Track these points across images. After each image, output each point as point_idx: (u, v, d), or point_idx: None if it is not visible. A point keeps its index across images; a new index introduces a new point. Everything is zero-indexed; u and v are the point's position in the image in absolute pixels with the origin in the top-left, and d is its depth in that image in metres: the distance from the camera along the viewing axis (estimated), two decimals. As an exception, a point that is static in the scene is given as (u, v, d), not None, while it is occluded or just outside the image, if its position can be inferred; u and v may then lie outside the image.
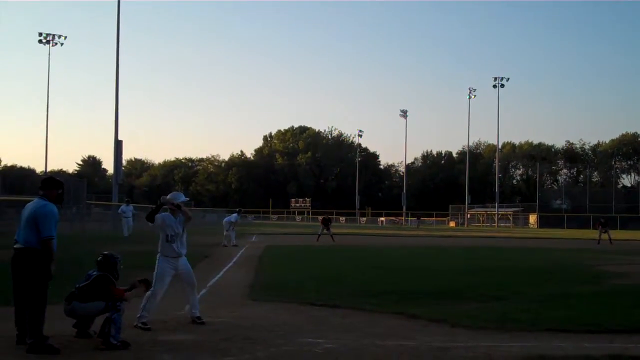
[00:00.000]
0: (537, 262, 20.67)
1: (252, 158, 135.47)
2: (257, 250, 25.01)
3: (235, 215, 29.09)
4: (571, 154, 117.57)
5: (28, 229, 7.07)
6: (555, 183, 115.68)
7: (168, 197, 9.18)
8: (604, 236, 34.19)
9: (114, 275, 7.75)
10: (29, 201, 7.47)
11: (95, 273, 7.67)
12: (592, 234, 44.21)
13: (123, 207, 31.58)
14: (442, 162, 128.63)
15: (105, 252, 7.91)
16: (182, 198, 9.25)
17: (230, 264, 18.63)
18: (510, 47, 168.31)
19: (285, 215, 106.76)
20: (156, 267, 8.82)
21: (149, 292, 8.63)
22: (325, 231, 33.08)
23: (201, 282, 13.73)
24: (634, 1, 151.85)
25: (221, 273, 16.06)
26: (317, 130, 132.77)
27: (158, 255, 8.90)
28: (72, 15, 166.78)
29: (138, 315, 8.44)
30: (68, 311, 7.53)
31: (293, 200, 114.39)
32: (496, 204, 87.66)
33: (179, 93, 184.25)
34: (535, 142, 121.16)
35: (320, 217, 41.63)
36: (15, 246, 7.12)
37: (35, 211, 7.11)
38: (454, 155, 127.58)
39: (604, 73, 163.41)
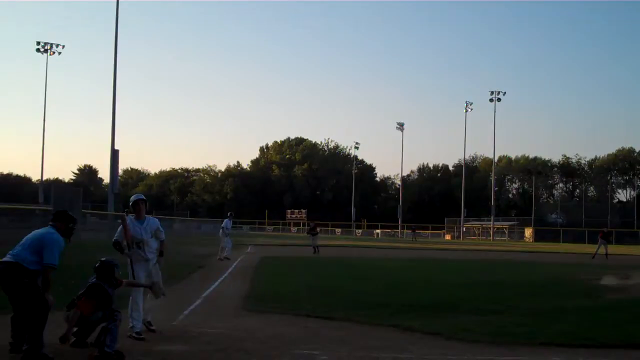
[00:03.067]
0: (533, 276, 20.67)
1: (248, 169, 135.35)
2: (252, 261, 24.96)
3: (225, 221, 27.14)
4: (567, 169, 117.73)
5: (27, 249, 7.05)
6: (551, 197, 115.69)
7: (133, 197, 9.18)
8: (601, 250, 34.14)
9: (111, 281, 7.74)
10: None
11: (92, 280, 7.68)
12: (588, 248, 44.27)
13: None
14: (439, 175, 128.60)
15: (103, 259, 7.94)
16: (133, 197, 9.19)
17: (225, 275, 18.61)
18: (507, 61, 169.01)
19: (281, 227, 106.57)
20: (130, 274, 8.81)
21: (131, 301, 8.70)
22: (311, 241, 32.80)
23: (196, 292, 13.76)
24: (631, 16, 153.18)
25: (216, 284, 16.04)
26: (313, 142, 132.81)
27: (129, 261, 8.91)
28: (70, 24, 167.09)
29: (130, 325, 8.44)
30: (66, 318, 7.51)
31: (289, 211, 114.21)
32: (492, 218, 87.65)
33: (176, 103, 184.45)
34: (532, 156, 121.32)
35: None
36: (3, 260, 7.06)
37: (44, 236, 7.16)
38: (450, 168, 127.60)
39: (601, 88, 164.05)
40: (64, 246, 7.33)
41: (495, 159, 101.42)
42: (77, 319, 7.38)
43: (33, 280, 6.97)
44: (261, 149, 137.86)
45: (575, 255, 37.79)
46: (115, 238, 8.87)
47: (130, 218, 8.88)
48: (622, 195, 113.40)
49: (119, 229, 8.98)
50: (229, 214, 28.82)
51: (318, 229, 36.12)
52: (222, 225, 26.91)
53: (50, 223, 7.39)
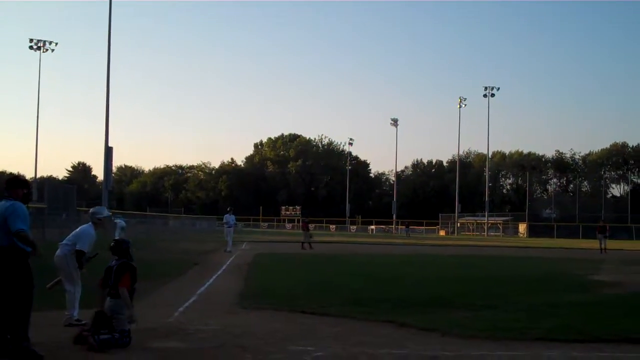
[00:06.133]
0: (527, 271, 20.71)
1: (242, 165, 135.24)
2: (247, 257, 24.93)
3: (226, 216, 28.57)
4: (561, 164, 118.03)
5: (1, 231, 6.76)
6: (545, 192, 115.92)
7: (92, 210, 9.46)
8: (604, 244, 34.02)
9: (128, 258, 8.12)
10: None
11: (114, 263, 8.04)
12: (582, 243, 44.39)
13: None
14: (433, 170, 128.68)
15: (117, 238, 8.25)
16: (106, 213, 9.63)
17: (220, 272, 18.58)
18: (501, 56, 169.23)
19: (275, 223, 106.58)
20: (73, 265, 8.93)
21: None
22: (303, 238, 32.95)
23: (191, 289, 13.74)
24: (625, 11, 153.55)
25: (211, 280, 16.03)
26: (307, 138, 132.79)
27: (70, 255, 8.95)
28: (63, 21, 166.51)
29: (68, 314, 8.89)
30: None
31: (283, 208, 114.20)
32: (486, 213, 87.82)
33: (170, 100, 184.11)
34: (526, 151, 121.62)
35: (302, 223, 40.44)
36: None
37: (4, 211, 6.81)
38: (445, 164, 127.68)
39: (595, 83, 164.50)
40: (28, 213, 6.99)
41: (489, 155, 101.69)
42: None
43: (26, 264, 6.80)
44: (255, 146, 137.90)
45: (569, 250, 37.88)
46: (85, 249, 8.90)
47: (90, 229, 9.14)
48: (616, 190, 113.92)
49: (89, 239, 9.01)
50: (228, 209, 30.19)
51: (310, 225, 36.38)
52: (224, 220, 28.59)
53: (6, 194, 7.00)
